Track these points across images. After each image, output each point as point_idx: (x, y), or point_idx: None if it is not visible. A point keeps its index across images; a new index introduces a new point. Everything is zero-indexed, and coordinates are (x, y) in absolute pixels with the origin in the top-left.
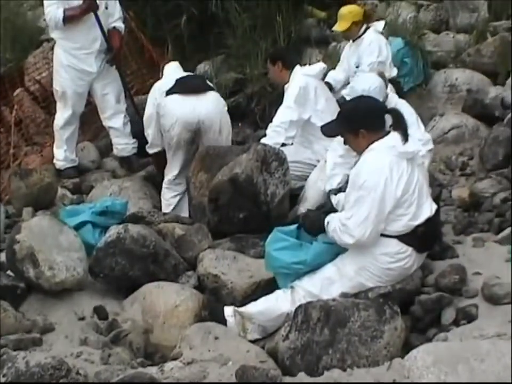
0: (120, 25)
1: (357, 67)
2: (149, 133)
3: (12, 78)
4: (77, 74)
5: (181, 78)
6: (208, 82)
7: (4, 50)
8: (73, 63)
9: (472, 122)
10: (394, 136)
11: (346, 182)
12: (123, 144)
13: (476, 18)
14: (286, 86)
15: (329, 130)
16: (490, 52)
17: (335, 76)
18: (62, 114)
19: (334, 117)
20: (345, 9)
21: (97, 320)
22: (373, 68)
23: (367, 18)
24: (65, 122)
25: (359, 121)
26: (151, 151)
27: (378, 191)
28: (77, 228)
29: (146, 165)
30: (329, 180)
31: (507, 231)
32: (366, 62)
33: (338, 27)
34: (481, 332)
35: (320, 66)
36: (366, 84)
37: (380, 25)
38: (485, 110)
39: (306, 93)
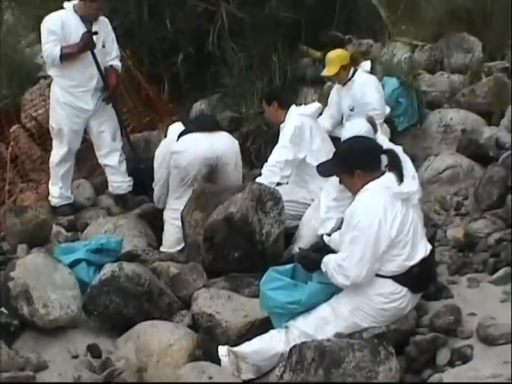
0: (117, 63)
1: (351, 110)
2: (157, 192)
3: (8, 114)
4: (73, 112)
5: (193, 118)
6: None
7: (1, 86)
8: (69, 100)
9: (467, 162)
10: (389, 177)
11: (341, 223)
12: (119, 182)
13: (470, 58)
14: (281, 125)
15: (324, 170)
16: (485, 92)
17: (321, 124)
18: (57, 151)
19: (329, 156)
20: (332, 54)
21: (91, 359)
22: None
23: (354, 61)
24: (61, 159)
25: (355, 162)
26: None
27: (372, 231)
28: (72, 265)
29: (141, 203)
30: (323, 224)
31: (502, 271)
32: (365, 101)
33: (327, 72)
34: (477, 372)
35: (315, 106)
36: (355, 129)
37: (367, 65)
38: (480, 150)
39: (301, 133)
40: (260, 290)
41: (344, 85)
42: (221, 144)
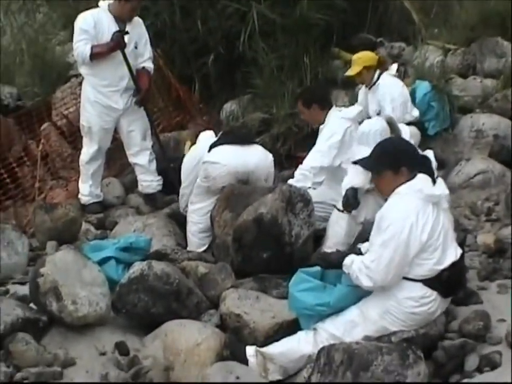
0: (149, 65)
1: (378, 114)
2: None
3: (40, 112)
4: (103, 110)
5: (226, 131)
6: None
7: (32, 85)
8: (100, 99)
9: (499, 168)
10: (421, 179)
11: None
12: (148, 181)
13: (503, 63)
14: (321, 126)
15: (368, 164)
16: None
17: None
18: (87, 150)
19: None
20: (357, 55)
21: (118, 356)
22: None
23: (381, 64)
24: (91, 157)
25: (401, 158)
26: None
27: (403, 235)
28: (100, 263)
29: (170, 202)
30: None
31: None
32: (389, 106)
33: (350, 72)
34: (505, 379)
35: (358, 109)
36: (367, 126)
37: (393, 68)
38: None
39: (341, 139)
40: (289, 292)
41: (370, 88)
42: (254, 159)
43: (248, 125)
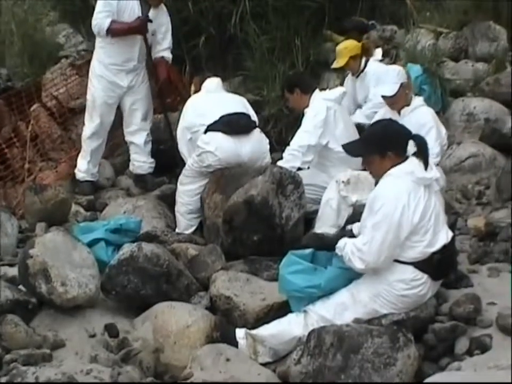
0: (168, 55)
1: (366, 102)
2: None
3: (29, 93)
4: (108, 86)
5: (226, 116)
6: (252, 118)
7: (22, 65)
8: (106, 74)
9: (490, 152)
10: (413, 162)
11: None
12: (141, 162)
13: (495, 47)
14: (305, 110)
15: (354, 149)
16: (509, 81)
17: None
18: (89, 124)
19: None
20: (341, 46)
21: (108, 338)
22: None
23: (366, 51)
24: (92, 132)
25: (388, 143)
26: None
27: (395, 217)
28: (90, 244)
29: (160, 184)
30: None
31: None
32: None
33: (336, 64)
34: (496, 362)
35: (340, 90)
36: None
37: (378, 53)
38: (503, 140)
39: (325, 117)
40: (279, 274)
41: (357, 76)
42: (248, 151)
43: None
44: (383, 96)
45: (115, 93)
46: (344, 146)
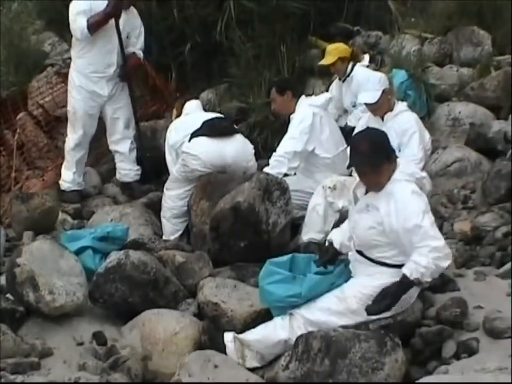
0: (139, 52)
1: (354, 106)
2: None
3: (15, 102)
4: (88, 96)
5: (208, 120)
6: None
7: (7, 74)
8: (85, 84)
9: (475, 156)
10: (405, 163)
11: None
12: (127, 170)
13: (479, 52)
14: (291, 116)
15: (363, 164)
16: (494, 86)
17: None
18: (72, 136)
19: (338, 146)
20: (331, 46)
21: (96, 346)
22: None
23: (354, 57)
24: (76, 144)
25: (389, 146)
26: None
27: (427, 207)
28: (77, 252)
29: (147, 192)
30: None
31: (508, 265)
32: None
33: (325, 61)
34: (483, 365)
35: (325, 96)
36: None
37: (366, 59)
38: (488, 144)
39: (311, 124)
40: (259, 285)
41: (344, 81)
42: (232, 152)
43: (224, 114)
44: (365, 104)
45: (96, 103)
46: (350, 165)
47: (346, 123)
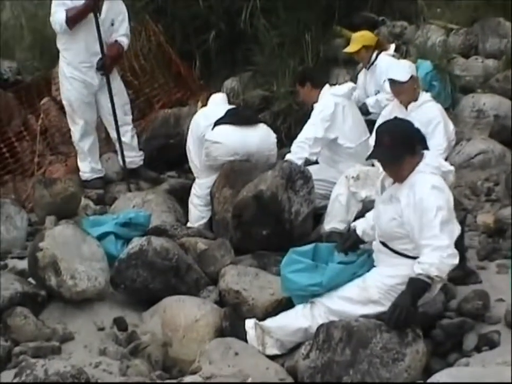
0: (122, 39)
1: (377, 94)
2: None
3: (39, 87)
4: (80, 85)
5: (231, 109)
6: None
7: (32, 59)
8: (75, 74)
9: (499, 148)
10: (431, 156)
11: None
12: (131, 157)
13: (505, 44)
14: (315, 105)
15: (383, 155)
16: None
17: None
18: (75, 128)
19: (362, 137)
20: (357, 33)
21: (117, 331)
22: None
23: (379, 45)
24: (81, 134)
25: (414, 138)
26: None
27: (451, 206)
28: (100, 238)
29: (155, 179)
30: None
31: None
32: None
33: (349, 49)
34: (504, 358)
35: (349, 86)
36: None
37: (391, 48)
38: None
39: (334, 113)
40: (281, 274)
41: (368, 69)
42: (255, 141)
43: (248, 102)
44: (392, 82)
45: (89, 91)
46: (370, 156)
47: (364, 103)
